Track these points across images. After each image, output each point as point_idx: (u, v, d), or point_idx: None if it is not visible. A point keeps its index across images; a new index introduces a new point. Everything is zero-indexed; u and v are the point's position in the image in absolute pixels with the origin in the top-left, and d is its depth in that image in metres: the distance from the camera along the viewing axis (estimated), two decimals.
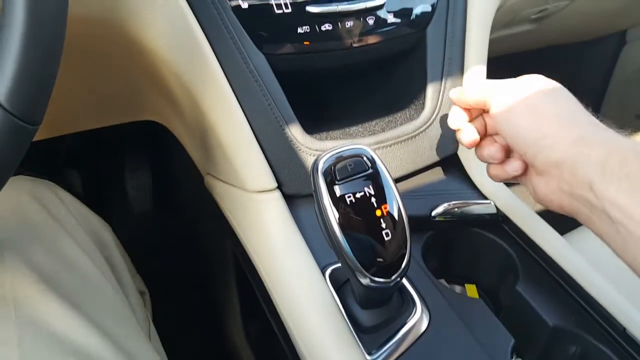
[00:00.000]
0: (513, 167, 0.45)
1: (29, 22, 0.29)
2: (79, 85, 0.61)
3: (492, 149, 0.47)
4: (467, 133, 0.49)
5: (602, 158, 0.34)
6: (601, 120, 0.39)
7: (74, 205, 0.57)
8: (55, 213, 0.53)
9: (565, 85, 0.43)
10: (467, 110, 0.50)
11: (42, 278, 0.44)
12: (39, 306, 0.41)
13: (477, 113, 0.50)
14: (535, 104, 0.41)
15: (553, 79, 0.44)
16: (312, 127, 0.55)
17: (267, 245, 0.50)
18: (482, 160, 0.49)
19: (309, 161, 0.53)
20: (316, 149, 0.53)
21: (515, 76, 0.46)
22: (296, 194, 0.53)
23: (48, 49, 0.30)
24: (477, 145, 0.49)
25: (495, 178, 0.47)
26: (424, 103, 0.59)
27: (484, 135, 0.49)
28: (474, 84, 0.48)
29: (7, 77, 0.29)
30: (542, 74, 0.44)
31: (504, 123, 0.43)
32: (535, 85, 0.43)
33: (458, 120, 0.50)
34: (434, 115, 0.59)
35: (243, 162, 0.52)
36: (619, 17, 1.10)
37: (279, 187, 0.52)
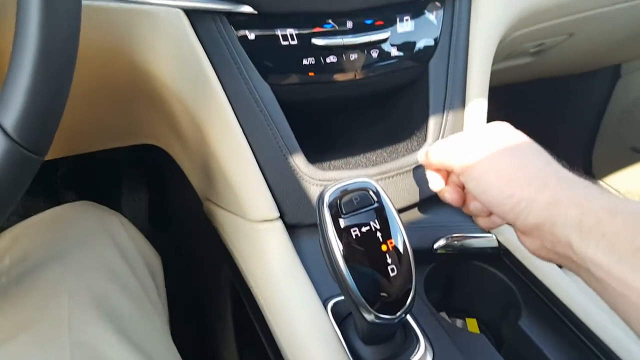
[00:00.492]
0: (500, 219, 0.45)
1: (41, 54, 0.29)
2: (83, 110, 0.61)
3: (477, 205, 0.46)
4: (449, 194, 0.48)
5: (577, 219, 0.34)
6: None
7: (134, 235, 0.59)
8: (119, 240, 0.54)
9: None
10: (440, 170, 0.49)
11: (98, 302, 0.44)
12: (93, 331, 0.42)
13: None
14: (502, 168, 0.40)
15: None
16: (314, 156, 0.56)
17: (268, 276, 0.50)
18: (469, 215, 0.48)
19: (311, 191, 0.53)
20: (319, 179, 0.53)
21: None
22: (298, 223, 0.53)
23: (57, 81, 0.31)
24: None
25: (485, 228, 0.47)
26: (425, 135, 0.60)
27: (463, 187, 0.48)
28: (437, 146, 0.48)
29: (16, 108, 0.29)
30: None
31: (475, 190, 0.42)
32: (498, 142, 0.42)
33: (435, 183, 0.50)
34: None
35: (246, 190, 0.52)
36: (613, 52, 1.13)
37: (281, 217, 0.52)
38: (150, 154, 0.85)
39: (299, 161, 0.53)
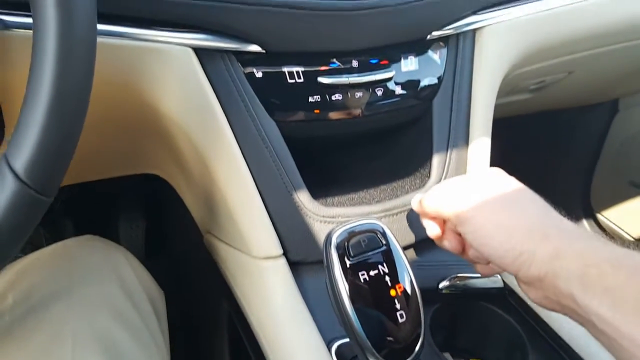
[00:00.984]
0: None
1: (54, 98, 0.29)
2: (88, 140, 0.61)
3: (476, 253, 0.45)
4: (447, 242, 0.47)
5: (580, 271, 0.34)
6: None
7: (139, 270, 0.58)
8: (123, 277, 0.54)
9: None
10: (436, 218, 0.48)
11: (102, 344, 0.44)
12: None
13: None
14: (500, 219, 0.40)
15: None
16: (317, 191, 0.56)
17: (270, 315, 0.49)
18: (469, 261, 0.47)
19: (315, 227, 0.53)
20: (323, 215, 0.53)
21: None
22: (301, 260, 0.52)
23: (69, 125, 0.31)
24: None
25: (484, 275, 0.47)
26: (429, 172, 0.60)
27: (460, 234, 0.46)
28: (431, 194, 0.47)
29: (27, 151, 0.29)
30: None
31: (474, 243, 0.41)
32: (494, 191, 0.42)
33: (431, 231, 0.48)
34: None
35: (250, 226, 0.52)
36: (612, 88, 1.14)
37: (284, 254, 0.52)
38: (150, 182, 0.85)
39: (303, 197, 0.53)
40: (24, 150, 0.29)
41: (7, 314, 0.45)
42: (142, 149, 0.71)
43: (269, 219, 0.51)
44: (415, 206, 0.50)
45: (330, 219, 0.53)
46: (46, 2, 0.29)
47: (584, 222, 1.42)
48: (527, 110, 1.20)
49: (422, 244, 0.58)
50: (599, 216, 1.39)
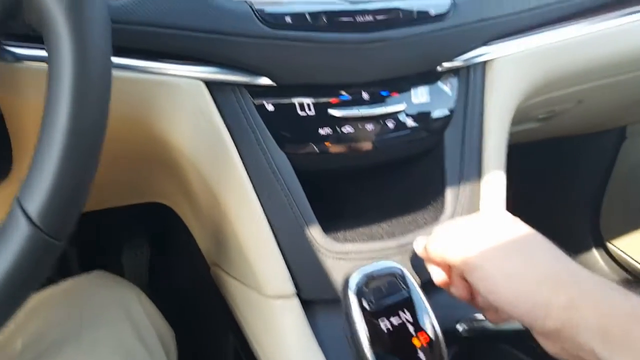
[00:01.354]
0: None
1: (69, 140, 0.29)
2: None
3: (485, 300, 0.43)
4: (455, 289, 0.44)
5: (600, 325, 0.32)
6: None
7: (150, 310, 0.57)
8: (135, 317, 0.53)
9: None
10: (441, 264, 0.46)
11: None
12: None
13: None
14: (510, 267, 0.38)
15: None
16: (329, 225, 0.54)
17: (282, 356, 0.48)
18: (478, 308, 0.45)
19: (328, 264, 0.51)
20: (336, 252, 0.52)
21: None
22: (314, 299, 0.51)
23: (85, 168, 0.30)
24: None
25: (494, 322, 0.45)
26: (443, 205, 0.58)
27: (467, 280, 0.44)
28: (436, 239, 0.45)
29: (41, 194, 0.28)
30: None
31: (484, 292, 0.39)
32: (501, 236, 0.40)
33: (437, 277, 0.46)
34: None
35: (261, 262, 0.51)
36: (620, 116, 1.14)
37: (297, 293, 0.50)
38: (156, 209, 0.84)
39: (315, 233, 0.52)
40: (38, 193, 0.28)
41: None
42: (150, 180, 0.70)
43: (280, 255, 0.50)
44: (419, 251, 0.48)
45: (343, 255, 0.52)
46: (62, 41, 0.28)
47: (594, 251, 1.39)
48: (534, 138, 1.19)
49: None
50: (609, 245, 1.37)
